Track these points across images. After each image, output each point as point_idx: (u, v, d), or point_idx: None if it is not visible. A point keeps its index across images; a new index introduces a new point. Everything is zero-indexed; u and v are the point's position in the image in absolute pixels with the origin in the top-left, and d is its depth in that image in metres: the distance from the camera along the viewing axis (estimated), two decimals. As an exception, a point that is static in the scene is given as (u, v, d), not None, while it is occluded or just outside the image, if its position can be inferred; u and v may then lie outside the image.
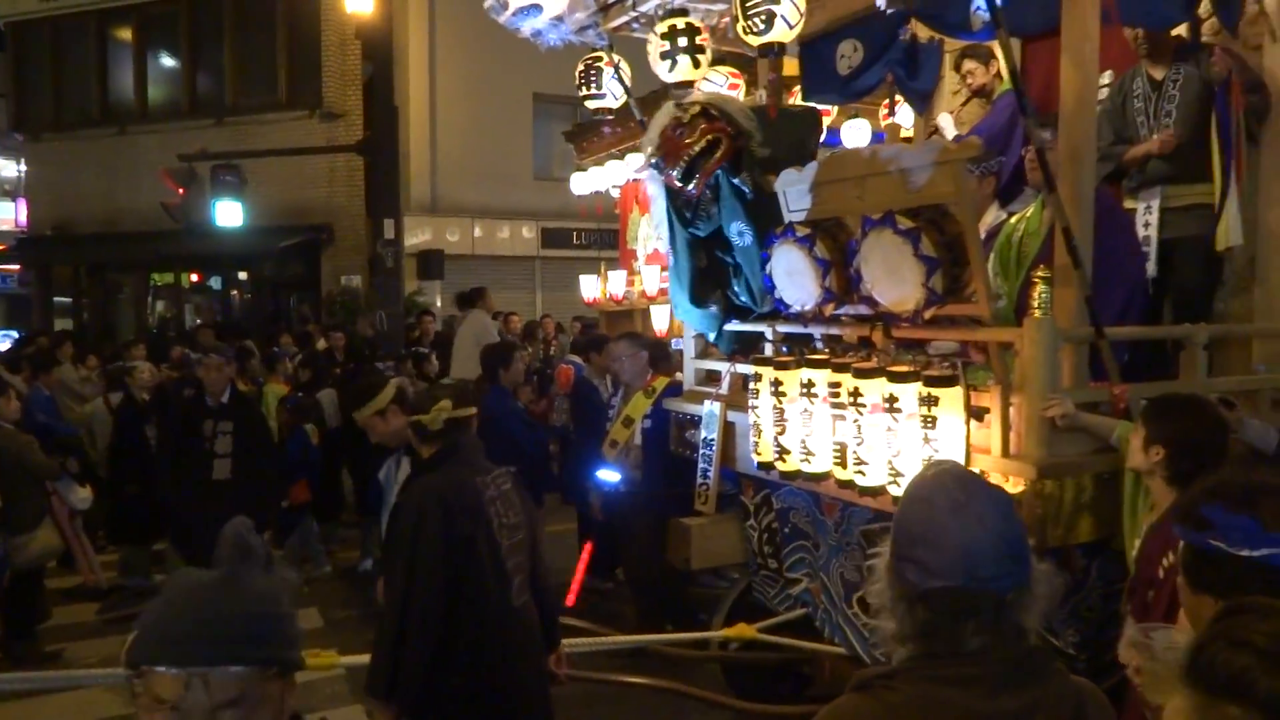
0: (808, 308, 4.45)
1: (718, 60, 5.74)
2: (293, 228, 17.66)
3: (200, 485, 6.76)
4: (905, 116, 6.50)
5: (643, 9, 5.07)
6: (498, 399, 6.55)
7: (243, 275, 19.88)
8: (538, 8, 4.47)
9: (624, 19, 5.22)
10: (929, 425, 3.74)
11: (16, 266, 20.64)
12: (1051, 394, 3.68)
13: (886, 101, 6.20)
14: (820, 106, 5.88)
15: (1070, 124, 3.97)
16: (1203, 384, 4.12)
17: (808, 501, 4.72)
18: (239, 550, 1.64)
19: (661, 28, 4.89)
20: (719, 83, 5.73)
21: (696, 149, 4.49)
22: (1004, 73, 5.55)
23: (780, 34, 4.36)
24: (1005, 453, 3.78)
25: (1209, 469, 3.27)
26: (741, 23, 4.44)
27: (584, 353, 8.67)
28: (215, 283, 20.64)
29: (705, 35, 4.86)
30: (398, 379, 4.84)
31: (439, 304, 18.72)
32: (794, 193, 4.57)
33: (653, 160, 4.60)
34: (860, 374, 4.01)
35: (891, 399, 3.86)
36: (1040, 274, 3.71)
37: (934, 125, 5.52)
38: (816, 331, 4.69)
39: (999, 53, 5.79)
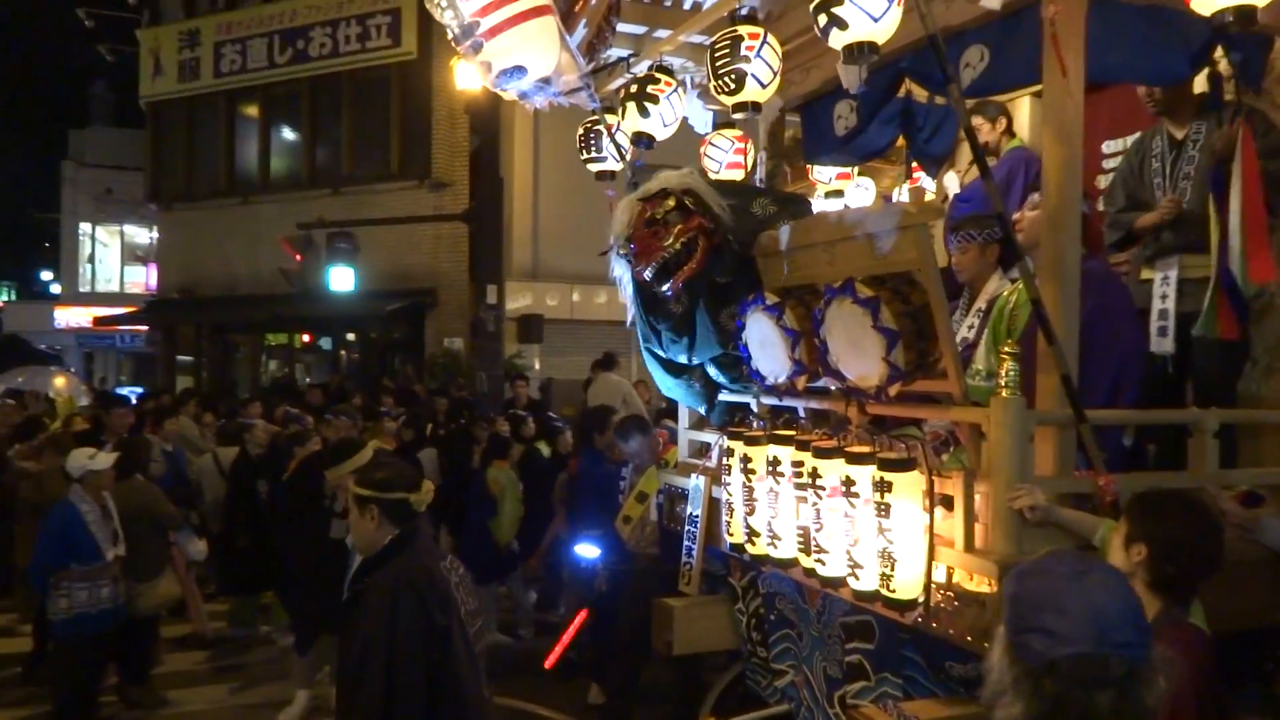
0: (780, 380, 4.06)
1: (725, 124, 5.44)
2: (399, 292, 17.88)
3: (316, 543, 6.57)
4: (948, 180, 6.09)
5: (636, 71, 4.81)
6: (592, 462, 6.70)
7: (351, 336, 20.22)
8: (522, 70, 4.23)
9: (620, 82, 4.98)
10: (883, 513, 3.31)
11: (145, 327, 21.34)
12: (1020, 484, 3.22)
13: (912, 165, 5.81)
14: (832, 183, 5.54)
15: (1051, 186, 3.52)
16: (1213, 476, 3.59)
17: (792, 587, 4.30)
18: None
19: (621, 78, 4.64)
20: (724, 147, 5.42)
21: (672, 250, 4.12)
22: (1012, 129, 5.15)
23: (753, 94, 4.03)
24: (968, 547, 3.31)
25: (1197, 576, 2.80)
26: (713, 83, 4.13)
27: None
28: (325, 343, 21.03)
29: (665, 85, 4.55)
30: (375, 441, 4.54)
31: (537, 366, 18.73)
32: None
33: (622, 252, 4.30)
34: (820, 453, 3.60)
35: (849, 482, 3.45)
36: (1008, 349, 3.26)
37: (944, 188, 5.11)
38: (799, 406, 4.31)
39: (1014, 108, 5.39)
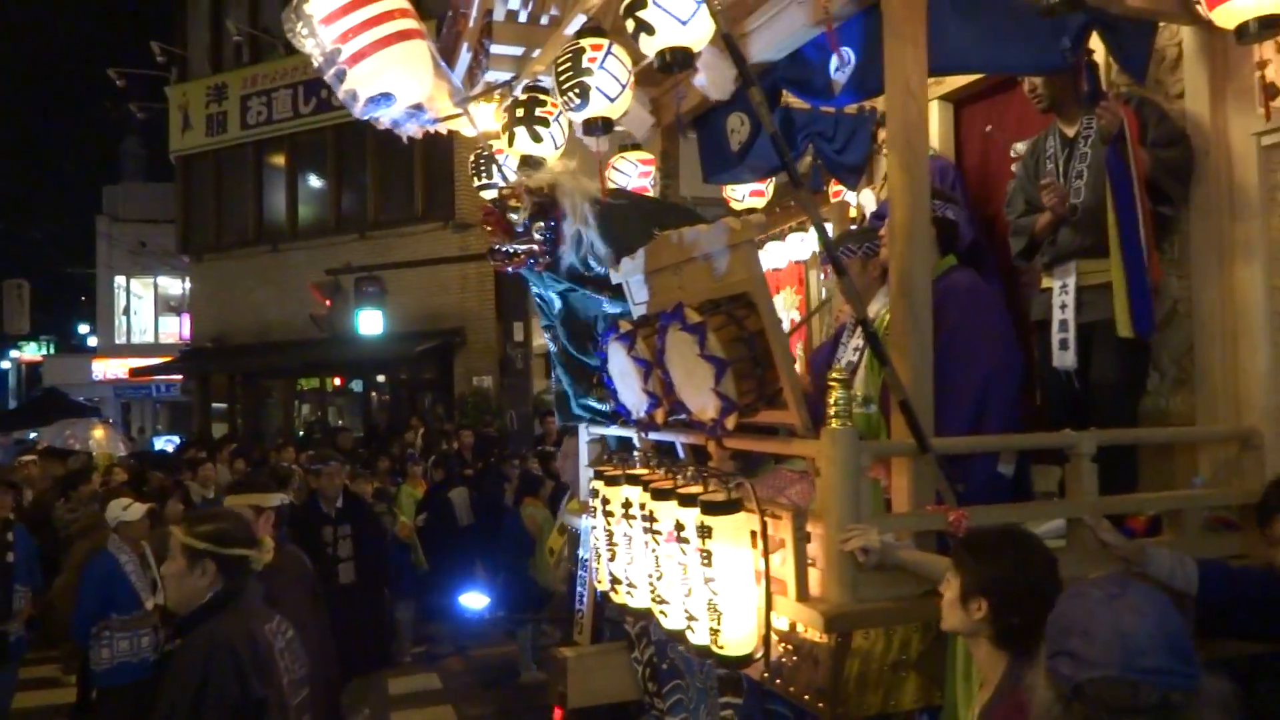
0: (641, 414, 3.75)
1: (632, 145, 5.15)
2: (428, 332, 17.79)
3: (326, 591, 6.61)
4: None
5: (518, 94, 4.55)
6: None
7: (381, 378, 20.18)
8: (389, 97, 4.01)
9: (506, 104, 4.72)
10: (706, 561, 2.97)
11: (180, 376, 21.58)
12: (852, 524, 2.86)
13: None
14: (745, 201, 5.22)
15: (896, 193, 3.19)
16: (1092, 504, 3.19)
17: (678, 635, 3.96)
18: None
19: (507, 101, 4.38)
20: (629, 171, 5.14)
21: (524, 215, 4.04)
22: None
23: (600, 109, 3.74)
24: (801, 596, 2.96)
25: (1040, 622, 2.44)
26: (559, 98, 3.86)
27: None
28: (356, 386, 21.03)
29: (551, 108, 4.27)
30: (282, 495, 4.21)
31: (567, 401, 18.50)
32: (635, 282, 3.93)
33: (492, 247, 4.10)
34: (656, 495, 3.28)
35: (679, 526, 3.11)
36: (835, 375, 2.92)
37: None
38: (676, 441, 3.99)
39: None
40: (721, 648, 2.99)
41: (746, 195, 5.09)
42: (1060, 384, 3.76)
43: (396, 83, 4.12)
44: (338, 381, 20.94)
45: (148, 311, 25.52)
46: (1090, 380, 3.69)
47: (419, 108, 4.35)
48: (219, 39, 20.29)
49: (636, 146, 5.12)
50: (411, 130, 4.39)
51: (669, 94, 4.64)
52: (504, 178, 4.76)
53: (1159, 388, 3.74)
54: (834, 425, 2.89)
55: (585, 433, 4.81)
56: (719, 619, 2.97)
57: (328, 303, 18.62)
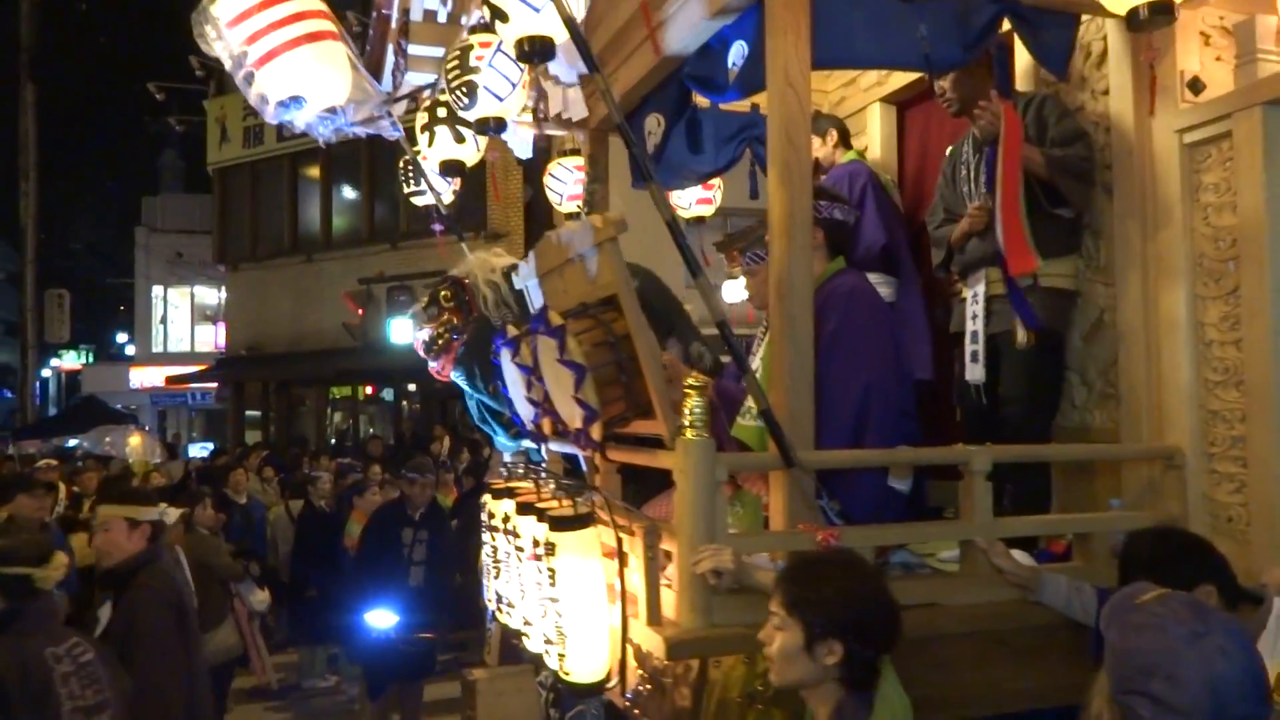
0: (530, 424, 3.56)
1: (573, 151, 4.97)
2: (459, 341, 17.74)
3: (397, 592, 6.65)
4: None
5: (437, 94, 4.38)
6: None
7: (412, 387, 20.18)
8: (299, 100, 3.85)
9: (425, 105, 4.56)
10: (550, 580, 2.77)
11: (215, 384, 21.78)
12: (705, 544, 2.64)
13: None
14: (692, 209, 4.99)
15: (774, 191, 2.96)
16: (986, 526, 2.94)
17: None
18: None
19: (428, 102, 4.21)
20: (565, 178, 4.95)
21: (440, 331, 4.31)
22: (848, 141, 4.57)
23: (490, 109, 3.54)
24: (652, 619, 2.74)
25: (885, 651, 2.22)
26: (449, 97, 3.69)
27: None
28: (387, 394, 21.07)
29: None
30: (162, 509, 4.07)
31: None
32: (532, 287, 3.75)
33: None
34: (520, 509, 3.08)
35: (535, 543, 2.91)
36: (690, 382, 2.71)
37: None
38: (578, 453, 3.78)
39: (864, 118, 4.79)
40: (568, 673, 2.78)
41: (693, 203, 4.87)
42: (973, 398, 3.50)
43: (308, 85, 3.97)
44: (370, 390, 21.01)
45: (184, 320, 25.80)
46: (999, 394, 3.43)
47: (332, 111, 4.21)
48: (256, 54, 20.48)
49: (575, 152, 4.94)
50: (326, 133, 4.24)
51: (594, 95, 4.45)
52: (430, 185, 4.62)
53: (1086, 402, 3.47)
54: (688, 435, 2.67)
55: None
56: (564, 642, 2.76)
57: (360, 312, 18.66)
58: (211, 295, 24.35)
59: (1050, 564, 3.18)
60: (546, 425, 3.47)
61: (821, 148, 4.31)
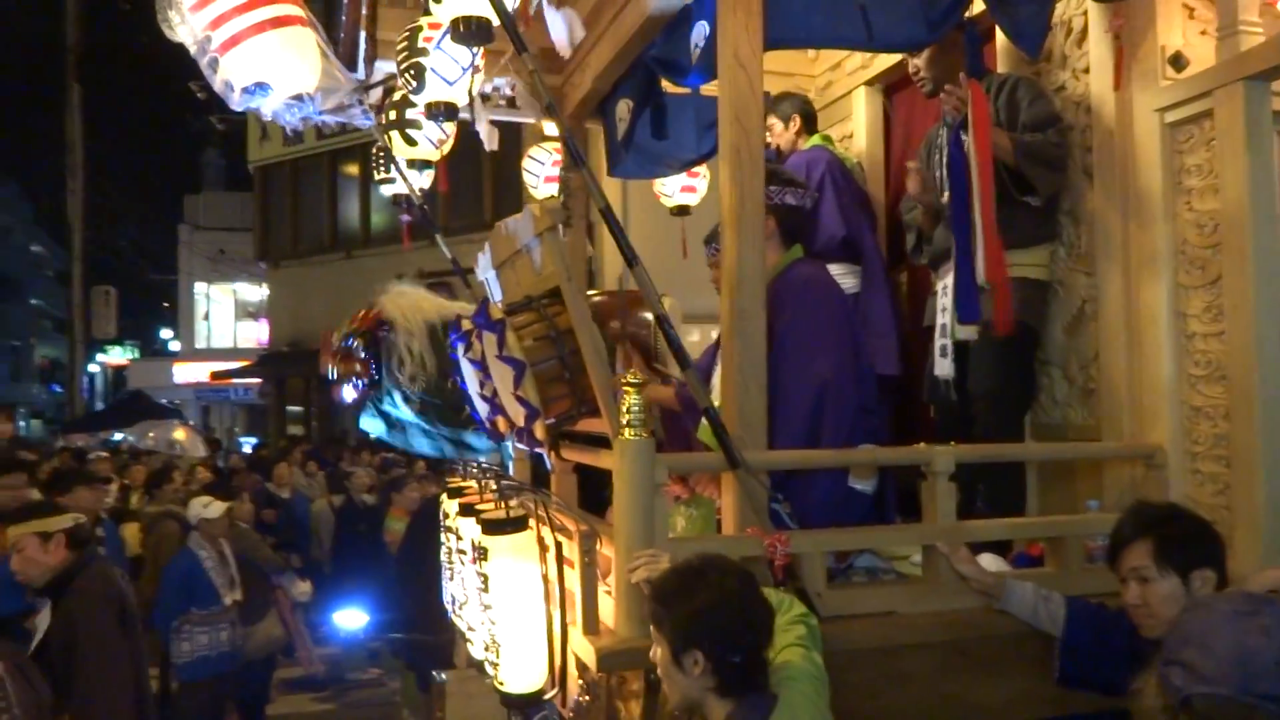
0: (486, 422, 3.43)
1: (548, 137, 4.83)
2: (495, 336, 17.73)
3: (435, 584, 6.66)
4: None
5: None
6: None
7: (449, 383, 20.17)
8: (264, 86, 3.72)
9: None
10: (483, 586, 2.64)
11: (257, 380, 21.94)
12: (641, 550, 2.49)
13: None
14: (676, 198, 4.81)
15: (725, 177, 2.81)
16: (949, 530, 2.76)
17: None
18: None
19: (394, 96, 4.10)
20: (544, 160, 4.82)
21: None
22: (813, 127, 4.38)
23: (440, 93, 3.40)
24: (589, 628, 2.60)
25: (764, 650, 2.10)
26: (400, 79, 3.56)
27: None
28: (426, 389, 21.05)
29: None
30: (75, 515, 3.95)
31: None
32: (490, 279, 3.63)
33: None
34: (462, 510, 2.96)
35: (473, 546, 2.79)
36: (628, 379, 2.56)
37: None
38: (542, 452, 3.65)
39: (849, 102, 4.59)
40: (501, 683, 2.66)
41: (677, 191, 4.70)
42: (943, 394, 3.32)
43: (273, 72, 3.86)
44: (410, 385, 21.00)
45: (227, 317, 26.05)
46: (968, 391, 3.25)
47: (299, 99, 4.10)
48: (296, 53, 20.59)
49: (552, 137, 4.81)
50: (291, 121, 4.13)
51: (568, 81, 4.31)
52: (402, 175, 4.51)
53: (1067, 397, 3.27)
54: (626, 435, 2.53)
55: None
56: (497, 651, 2.64)
57: (399, 308, 18.68)
58: (253, 292, 24.54)
59: (1025, 569, 3.01)
60: (501, 424, 3.34)
61: (784, 133, 4.14)
